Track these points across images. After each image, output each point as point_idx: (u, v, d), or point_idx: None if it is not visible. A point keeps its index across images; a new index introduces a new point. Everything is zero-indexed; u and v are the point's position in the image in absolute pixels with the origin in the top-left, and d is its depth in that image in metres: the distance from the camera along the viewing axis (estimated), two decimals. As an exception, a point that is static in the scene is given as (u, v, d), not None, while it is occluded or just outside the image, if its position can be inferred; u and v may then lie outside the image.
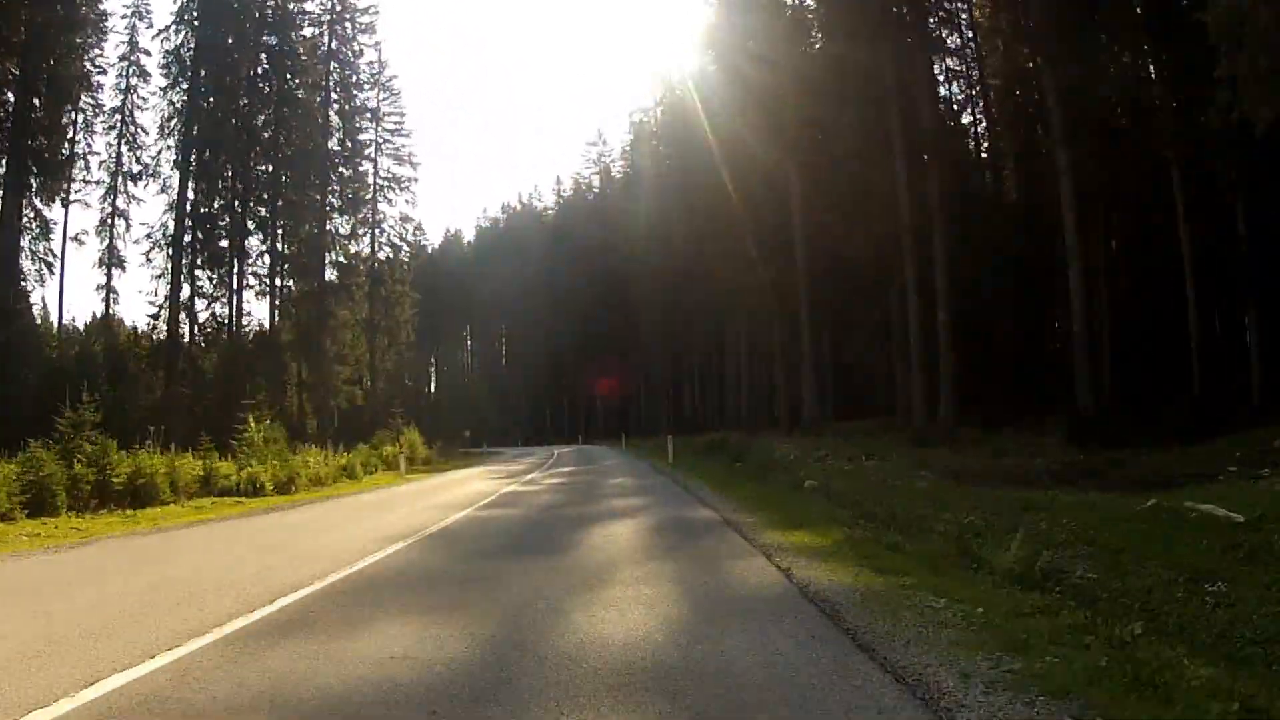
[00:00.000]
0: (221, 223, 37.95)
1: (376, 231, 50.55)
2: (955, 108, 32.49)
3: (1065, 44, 20.46)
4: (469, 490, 17.00)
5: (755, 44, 29.24)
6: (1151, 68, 22.64)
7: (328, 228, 41.18)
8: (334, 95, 45.72)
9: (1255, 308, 20.07)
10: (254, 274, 41.02)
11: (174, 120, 38.29)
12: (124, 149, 37.90)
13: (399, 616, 4.96)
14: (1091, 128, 21.04)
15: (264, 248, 41.31)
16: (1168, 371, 22.11)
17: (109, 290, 37.34)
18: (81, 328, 48.02)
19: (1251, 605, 4.92)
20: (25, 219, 33.37)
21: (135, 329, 39.70)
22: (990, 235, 26.56)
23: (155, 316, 35.79)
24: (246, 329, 40.06)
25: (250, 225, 39.94)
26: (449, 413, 69.82)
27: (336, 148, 42.31)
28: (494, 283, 78.17)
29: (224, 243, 38.40)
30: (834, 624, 4.45)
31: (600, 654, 3.96)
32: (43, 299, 63.84)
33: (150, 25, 40.97)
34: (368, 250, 50.02)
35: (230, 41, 39.02)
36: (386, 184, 51.08)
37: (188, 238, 37.02)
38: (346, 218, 42.79)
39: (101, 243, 37.08)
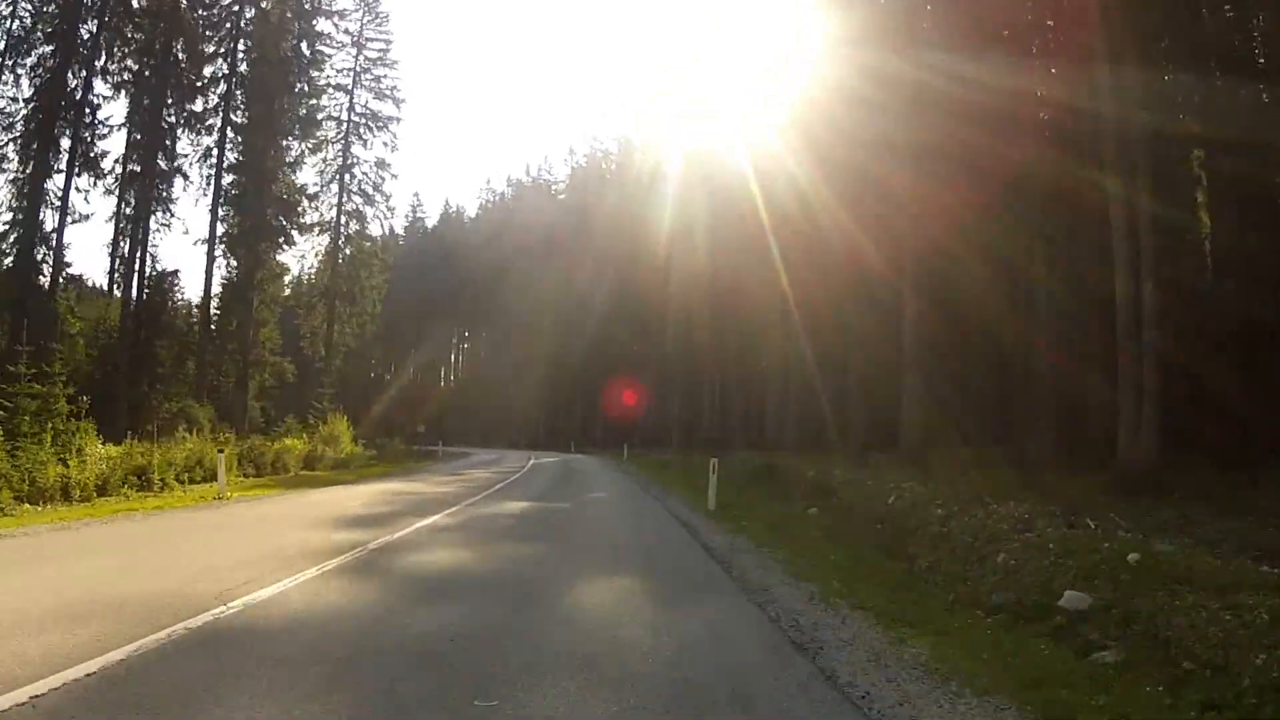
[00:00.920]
0: (108, 121, 29.15)
1: (347, 177, 41.96)
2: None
3: None
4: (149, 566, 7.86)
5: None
6: None
7: (272, 153, 32.24)
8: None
9: None
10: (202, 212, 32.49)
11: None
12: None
13: None
14: None
15: (204, 177, 32.78)
16: None
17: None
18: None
19: None
20: None
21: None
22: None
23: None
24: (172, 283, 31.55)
25: (187, 145, 31.43)
26: (424, 406, 60.80)
27: (291, 55, 33.45)
28: (496, 266, 69.40)
29: (108, 144, 29.47)
30: None
31: None
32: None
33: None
34: (334, 199, 41.55)
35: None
36: (363, 121, 42.57)
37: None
38: (296, 141, 33.80)
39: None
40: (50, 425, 13.02)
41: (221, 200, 31.57)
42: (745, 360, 41.58)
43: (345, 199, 41.79)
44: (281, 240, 32.01)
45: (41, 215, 26.33)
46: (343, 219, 41.44)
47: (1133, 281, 14.07)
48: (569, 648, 4.45)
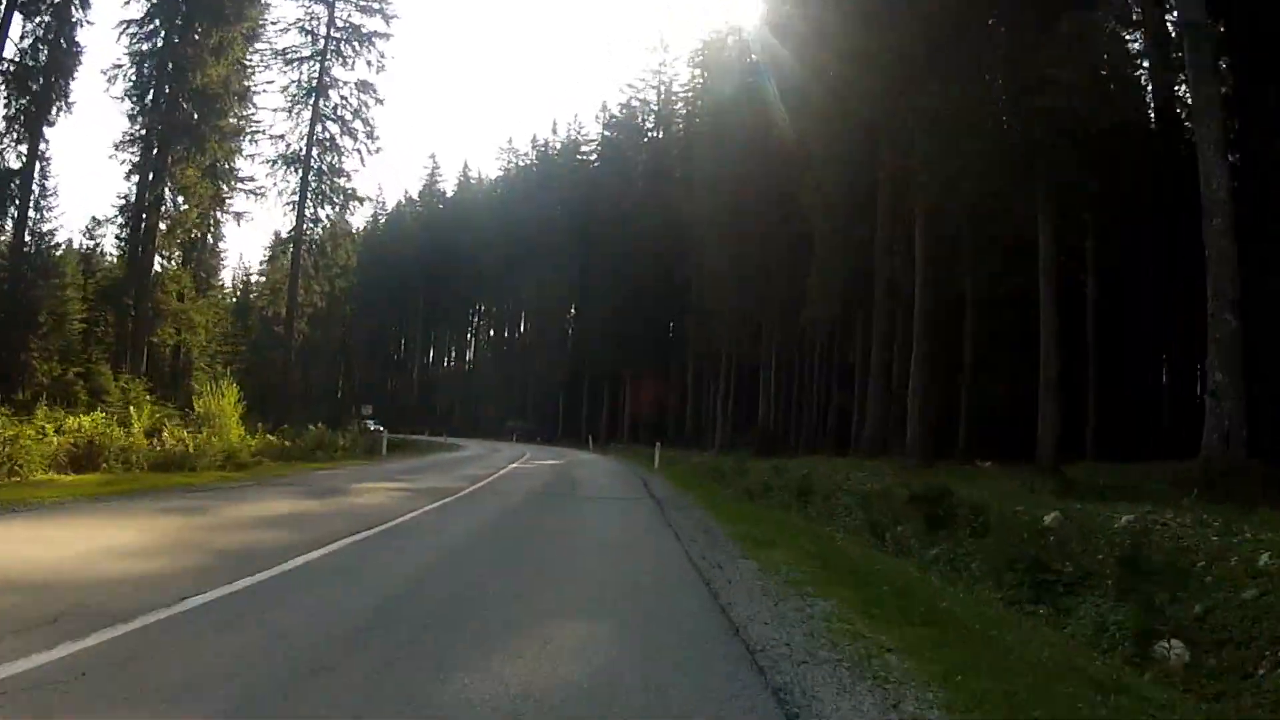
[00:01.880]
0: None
1: (321, 103, 33.92)
2: None
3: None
4: None
5: None
6: None
7: (194, 35, 23.87)
8: None
9: None
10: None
11: None
12: None
13: None
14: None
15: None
16: None
17: None
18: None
19: None
20: None
21: None
22: None
23: None
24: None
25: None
26: (423, 392, 52.85)
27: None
28: (514, 237, 61.21)
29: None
30: None
31: None
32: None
33: None
34: (304, 128, 33.59)
35: None
36: (344, 36, 34.50)
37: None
38: (228, 28, 25.21)
39: None
40: None
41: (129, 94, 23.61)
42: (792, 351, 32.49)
43: (319, 128, 33.86)
44: (194, 148, 23.66)
45: None
46: (314, 151, 33.53)
47: None
48: None
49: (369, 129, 34.43)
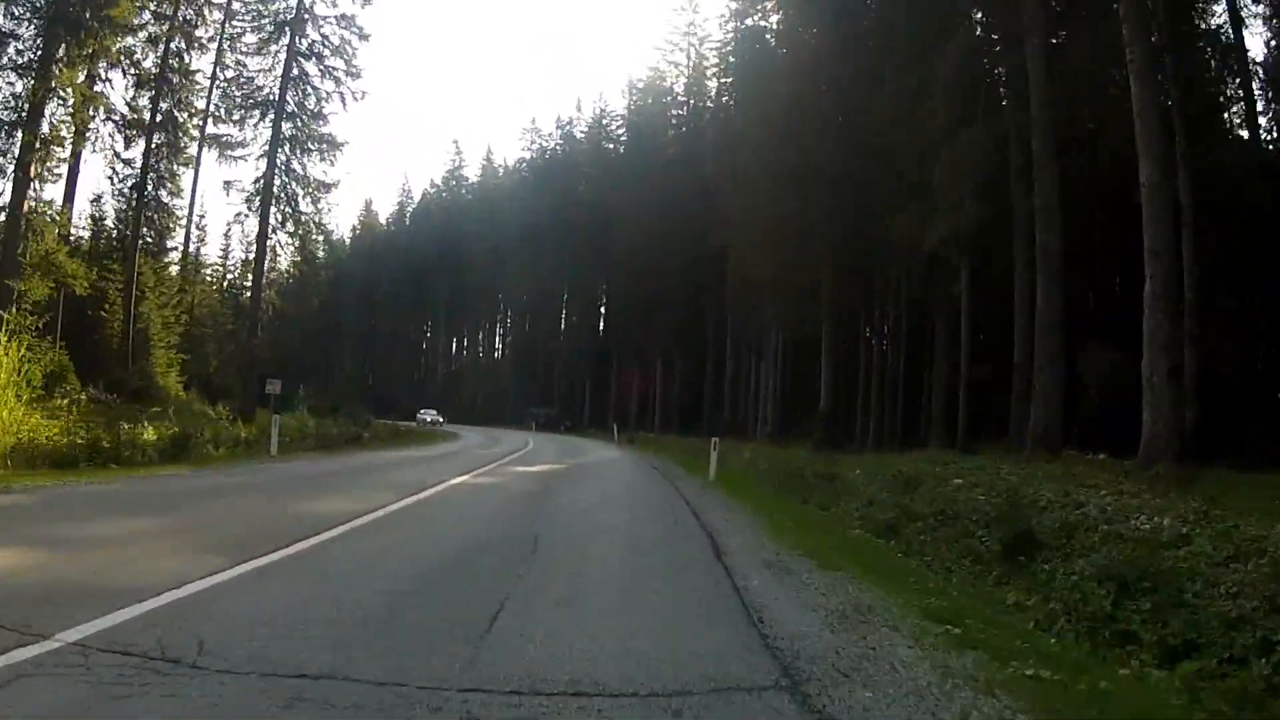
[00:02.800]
0: None
1: (297, 39, 29.12)
2: None
3: None
4: None
5: None
6: None
7: None
8: None
9: None
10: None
11: None
12: None
13: None
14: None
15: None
16: None
17: None
18: None
19: None
20: None
21: None
22: None
23: None
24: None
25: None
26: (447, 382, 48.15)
27: None
28: (530, 225, 56.36)
29: None
30: None
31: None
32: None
33: None
34: (279, 69, 28.85)
35: None
36: (326, -38, 29.74)
37: None
38: None
39: None
40: None
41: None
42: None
43: (293, 67, 29.05)
44: (90, 49, 18.65)
45: None
46: (288, 93, 28.73)
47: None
48: None
49: (352, 72, 29.49)
